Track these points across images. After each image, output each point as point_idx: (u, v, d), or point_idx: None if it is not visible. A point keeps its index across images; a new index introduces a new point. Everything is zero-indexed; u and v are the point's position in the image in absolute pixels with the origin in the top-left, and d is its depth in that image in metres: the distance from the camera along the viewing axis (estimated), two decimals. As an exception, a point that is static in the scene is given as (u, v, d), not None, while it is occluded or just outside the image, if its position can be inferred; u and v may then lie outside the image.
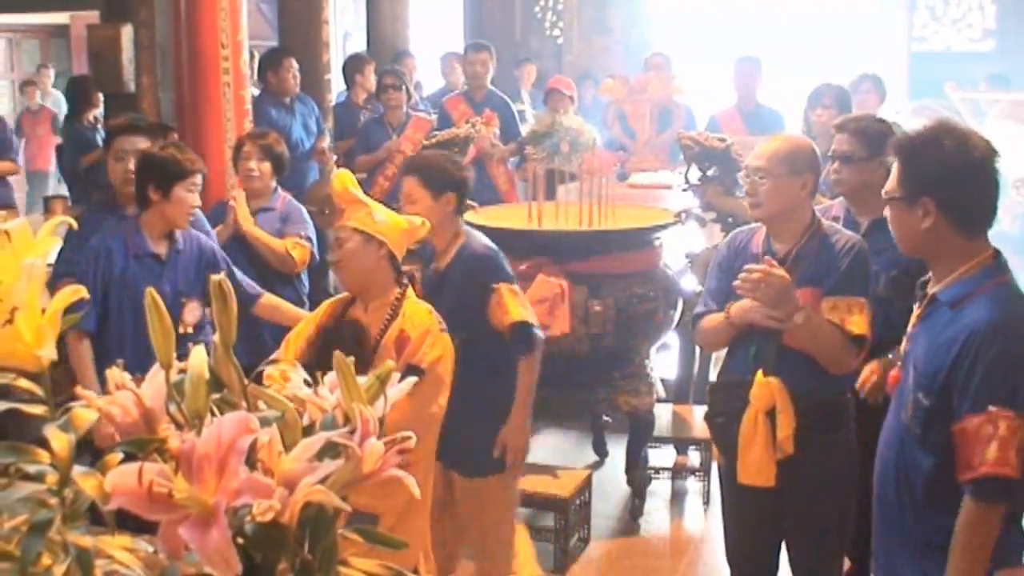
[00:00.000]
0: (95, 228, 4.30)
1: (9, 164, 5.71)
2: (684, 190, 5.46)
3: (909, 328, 2.77)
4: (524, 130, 7.72)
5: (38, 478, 1.21)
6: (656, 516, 5.19)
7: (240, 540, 0.97)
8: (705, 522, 5.19)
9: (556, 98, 7.57)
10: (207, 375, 1.08)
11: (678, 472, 5.48)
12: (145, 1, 7.04)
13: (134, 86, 7.01)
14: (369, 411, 1.07)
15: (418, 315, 3.21)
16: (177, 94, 6.34)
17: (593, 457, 5.83)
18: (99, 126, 8.00)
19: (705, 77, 9.64)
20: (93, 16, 8.62)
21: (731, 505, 3.57)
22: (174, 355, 1.13)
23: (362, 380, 1.13)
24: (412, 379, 1.19)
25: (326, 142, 7.66)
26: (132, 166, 4.24)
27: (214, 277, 1.12)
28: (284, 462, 1.02)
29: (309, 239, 5.09)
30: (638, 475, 5.17)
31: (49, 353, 1.08)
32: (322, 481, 1.03)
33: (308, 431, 1.14)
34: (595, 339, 4.92)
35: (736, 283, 3.16)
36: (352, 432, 1.06)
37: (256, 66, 7.89)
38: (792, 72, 10.32)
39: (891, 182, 2.68)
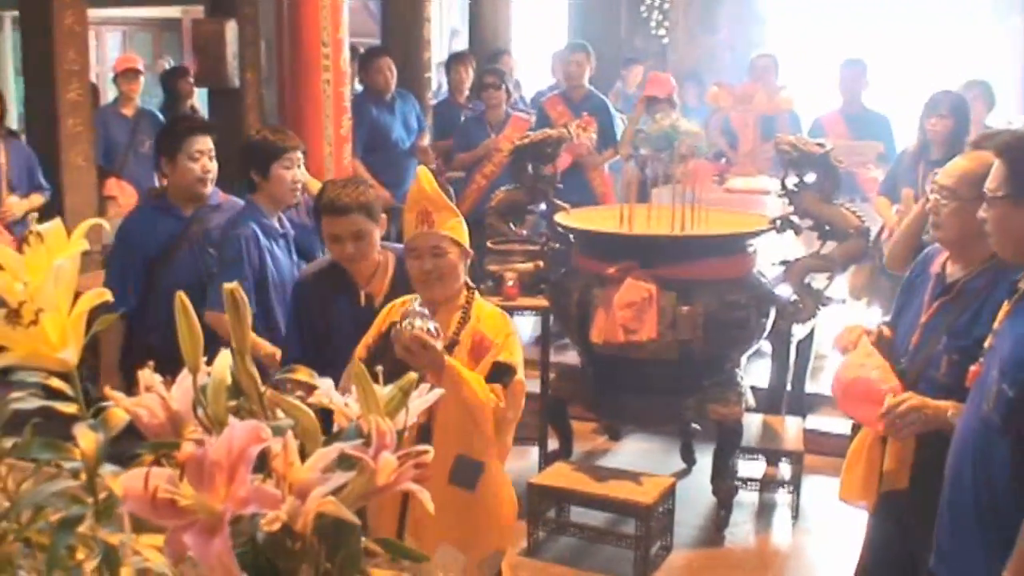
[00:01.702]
0: (149, 227, 4.38)
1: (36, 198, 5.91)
2: (780, 196, 5.35)
3: (995, 324, 2.67)
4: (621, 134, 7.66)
5: (75, 475, 1.23)
6: (742, 528, 5.10)
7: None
8: (792, 537, 5.09)
9: (652, 103, 7.51)
10: (229, 381, 1.09)
11: (767, 484, 5.38)
12: (250, -4, 7.20)
13: (238, 81, 7.14)
14: (386, 423, 1.06)
15: (493, 318, 3.20)
16: (279, 90, 6.45)
17: (681, 465, 5.76)
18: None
19: (811, 79, 9.47)
20: (202, 11, 8.83)
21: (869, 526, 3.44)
22: (202, 359, 1.14)
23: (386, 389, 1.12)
24: (438, 391, 1.18)
25: (426, 140, 7.72)
26: (208, 166, 4.33)
27: (227, 286, 1.12)
28: (299, 471, 1.02)
29: None
30: (724, 485, 5.08)
31: (72, 356, 1.09)
32: (337, 492, 1.02)
33: (337, 439, 1.13)
34: (683, 345, 4.86)
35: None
36: (368, 444, 1.05)
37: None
38: (902, 77, 10.07)
39: (993, 181, 2.60)
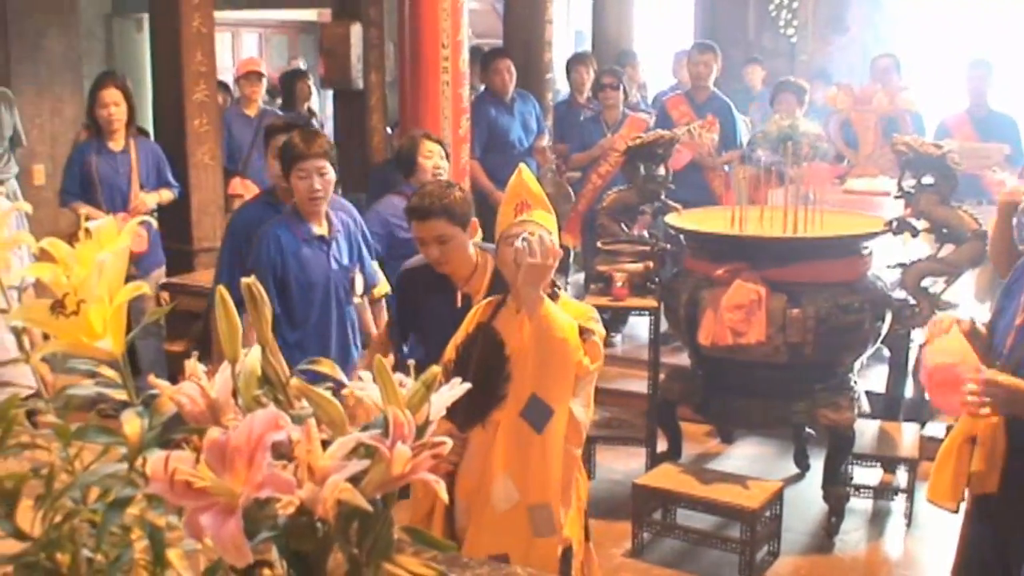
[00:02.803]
0: (256, 221, 4.50)
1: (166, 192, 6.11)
2: (896, 197, 5.23)
3: None
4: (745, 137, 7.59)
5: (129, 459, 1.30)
6: (853, 535, 5.00)
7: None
8: (905, 545, 4.98)
9: (783, 100, 7.42)
10: (259, 372, 1.14)
11: (881, 491, 5.27)
12: (375, 0, 7.34)
13: (362, 83, 7.30)
14: (404, 415, 1.09)
15: (578, 307, 3.24)
16: (400, 91, 6.57)
17: (794, 470, 5.68)
18: (313, 119, 8.41)
19: (937, 78, 9.21)
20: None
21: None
22: (241, 350, 1.19)
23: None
24: (463, 387, 1.21)
25: (545, 140, 7.76)
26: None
27: (244, 280, 1.17)
28: (320, 458, 1.06)
29: None
30: (835, 491, 4.99)
31: (110, 345, 1.15)
32: (356, 480, 1.06)
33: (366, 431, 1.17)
34: (793, 349, 4.79)
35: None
36: (385, 435, 1.09)
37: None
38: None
39: None
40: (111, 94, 6.04)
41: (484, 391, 3.05)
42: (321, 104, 11.96)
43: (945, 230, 4.92)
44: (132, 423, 1.17)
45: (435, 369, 1.16)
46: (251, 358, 1.15)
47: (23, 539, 1.28)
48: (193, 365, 1.22)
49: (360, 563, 1.17)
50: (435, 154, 5.01)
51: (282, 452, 1.09)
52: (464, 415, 3.12)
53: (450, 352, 3.24)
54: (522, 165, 3.32)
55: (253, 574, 1.19)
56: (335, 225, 4.36)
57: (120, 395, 1.22)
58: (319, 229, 4.30)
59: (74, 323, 1.12)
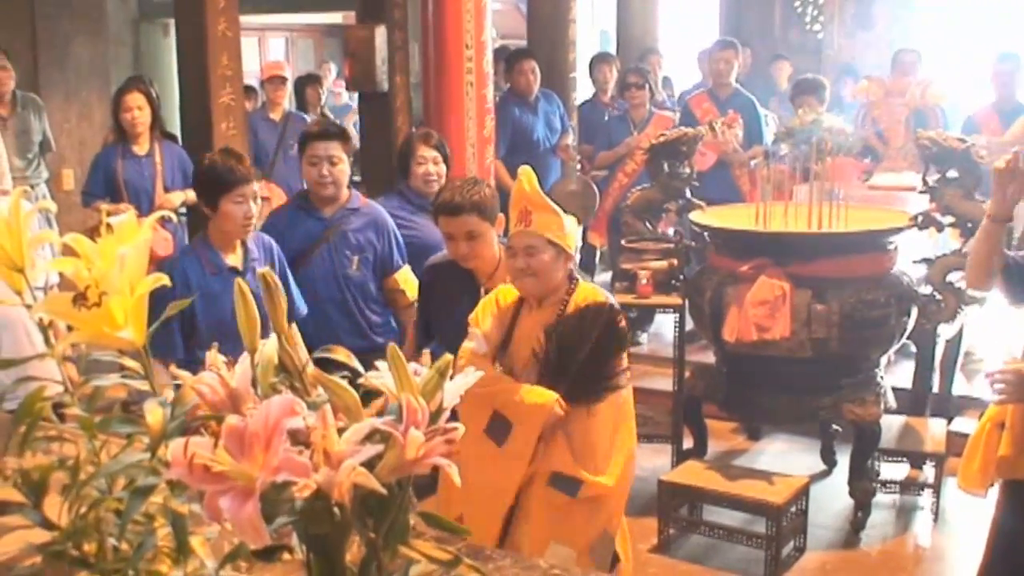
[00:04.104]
0: (290, 224, 4.57)
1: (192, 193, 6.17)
2: (921, 192, 5.21)
3: None
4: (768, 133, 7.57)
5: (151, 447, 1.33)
6: (879, 531, 4.99)
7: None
8: (932, 540, 4.96)
9: (803, 100, 7.40)
10: (276, 361, 1.17)
11: (907, 487, 5.25)
12: (399, 2, 7.37)
13: (387, 85, 7.33)
14: (418, 401, 1.12)
15: (587, 298, 3.26)
16: (424, 93, 6.60)
17: (820, 466, 5.67)
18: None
19: (963, 73, 9.16)
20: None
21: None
22: (259, 341, 1.22)
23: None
24: (478, 374, 1.23)
25: (569, 139, 7.78)
26: (325, 171, 4.45)
27: (260, 270, 1.19)
28: (335, 444, 1.09)
29: None
30: (861, 487, 4.98)
31: (132, 335, 1.19)
32: (371, 465, 1.09)
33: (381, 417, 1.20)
34: (818, 344, 4.78)
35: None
36: (399, 420, 1.11)
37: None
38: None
39: None
40: (134, 98, 6.12)
41: None
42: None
43: (970, 224, 4.90)
44: (154, 413, 1.20)
45: (448, 357, 1.18)
46: (268, 347, 1.18)
47: (51, 529, 1.31)
48: (214, 356, 1.25)
49: (377, 547, 1.20)
50: (428, 160, 4.91)
51: (300, 439, 1.12)
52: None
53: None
54: (524, 169, 3.33)
55: (273, 558, 1.22)
56: (252, 254, 4.06)
57: (143, 385, 1.25)
58: (233, 259, 4.01)
59: (96, 315, 1.15)
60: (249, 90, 8.56)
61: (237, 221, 3.93)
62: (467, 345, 3.25)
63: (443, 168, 4.96)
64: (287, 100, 8.46)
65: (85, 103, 8.95)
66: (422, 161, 4.92)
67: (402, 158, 5.04)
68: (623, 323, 3.18)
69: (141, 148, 6.20)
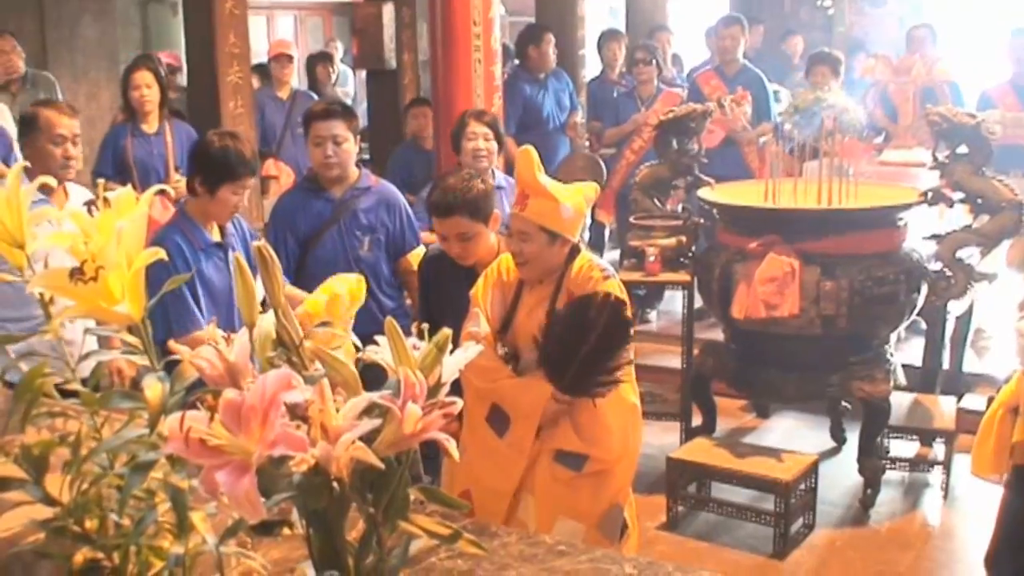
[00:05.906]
0: (299, 207, 4.54)
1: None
2: (931, 168, 5.18)
3: None
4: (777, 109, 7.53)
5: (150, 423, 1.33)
6: (888, 508, 4.98)
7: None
8: (941, 517, 4.95)
9: (818, 72, 7.35)
10: (273, 335, 1.16)
11: (917, 464, 5.24)
12: (407, -20, 7.38)
13: (395, 63, 7.32)
14: (416, 375, 1.11)
15: (580, 273, 3.25)
16: (431, 70, 6.58)
17: (830, 444, 5.66)
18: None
19: (977, 50, 9.09)
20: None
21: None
22: (257, 315, 1.22)
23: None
24: (477, 348, 1.22)
25: (578, 116, 7.75)
26: (330, 151, 4.42)
27: (255, 244, 1.19)
28: (333, 418, 1.09)
29: None
30: (870, 464, 4.97)
31: (127, 310, 1.18)
32: (368, 439, 1.09)
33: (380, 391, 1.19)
34: (827, 321, 4.77)
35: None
36: (397, 395, 1.11)
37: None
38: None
39: None
40: (143, 76, 6.09)
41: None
42: (355, 85, 12.03)
43: (980, 200, 4.88)
44: (153, 388, 1.20)
45: (446, 331, 1.18)
46: (265, 321, 1.18)
47: (53, 505, 1.32)
48: (212, 330, 1.25)
49: (377, 522, 1.20)
50: (479, 136, 4.98)
51: (298, 414, 1.12)
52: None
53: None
54: (521, 152, 3.31)
55: (273, 533, 1.22)
56: (227, 230, 4.05)
57: (141, 360, 1.25)
58: (214, 236, 4.00)
59: (93, 289, 1.14)
60: (259, 69, 8.54)
61: (229, 209, 3.95)
62: (469, 328, 3.23)
63: (494, 145, 5.02)
64: (294, 78, 8.43)
65: (93, 83, 8.94)
66: (472, 137, 4.97)
67: (455, 134, 5.06)
68: (628, 315, 3.14)
69: (150, 127, 6.19)
